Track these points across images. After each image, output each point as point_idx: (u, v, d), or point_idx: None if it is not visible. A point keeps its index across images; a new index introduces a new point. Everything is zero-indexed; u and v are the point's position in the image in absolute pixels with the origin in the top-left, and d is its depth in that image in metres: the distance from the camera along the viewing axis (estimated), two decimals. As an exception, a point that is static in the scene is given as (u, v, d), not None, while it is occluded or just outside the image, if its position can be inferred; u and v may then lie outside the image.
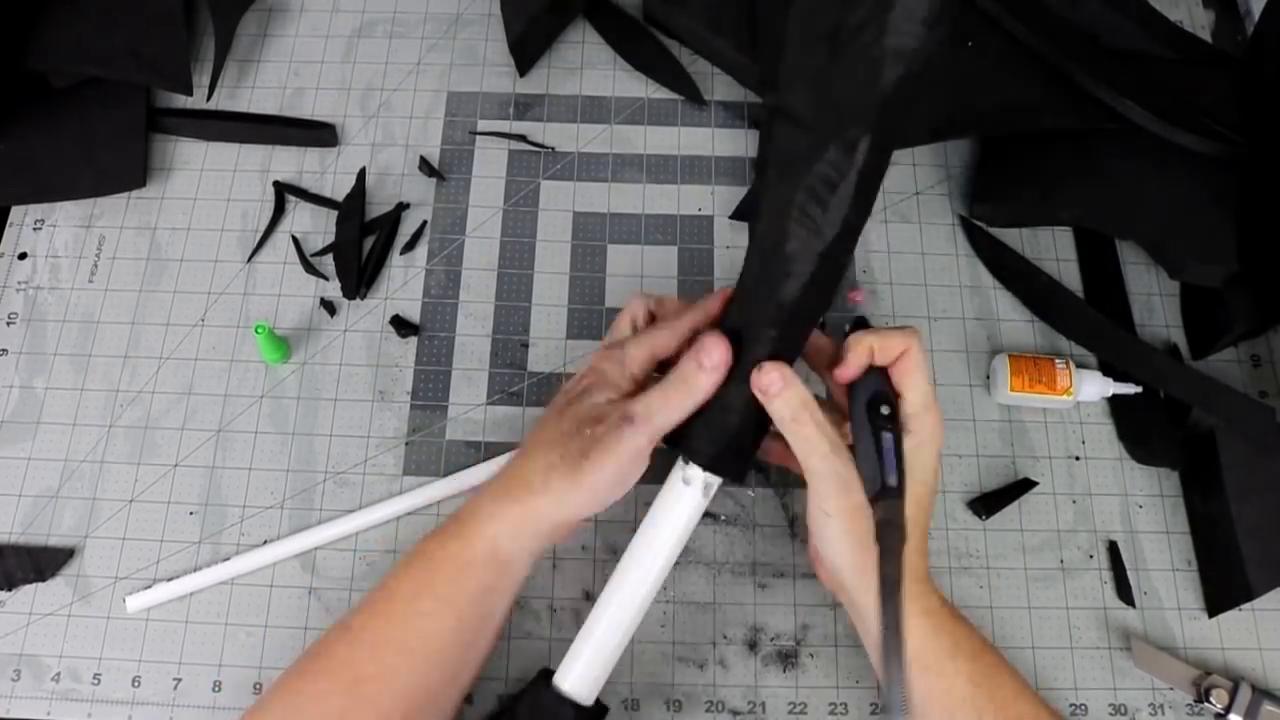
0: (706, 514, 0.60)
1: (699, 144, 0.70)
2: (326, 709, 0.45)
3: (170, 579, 0.58)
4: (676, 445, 0.47)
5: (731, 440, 0.46)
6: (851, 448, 0.46)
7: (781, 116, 0.42)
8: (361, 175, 0.68)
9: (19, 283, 0.66)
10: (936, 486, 0.47)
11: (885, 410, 0.45)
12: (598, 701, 0.48)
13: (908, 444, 0.45)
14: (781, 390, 0.44)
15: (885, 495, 0.42)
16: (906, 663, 0.38)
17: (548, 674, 0.47)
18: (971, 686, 0.45)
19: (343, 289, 0.66)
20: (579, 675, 0.46)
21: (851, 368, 0.46)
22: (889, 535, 0.41)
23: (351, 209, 0.67)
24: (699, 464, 0.46)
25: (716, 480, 0.47)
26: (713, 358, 0.45)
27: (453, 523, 0.48)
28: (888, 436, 0.44)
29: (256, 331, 0.60)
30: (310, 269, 0.66)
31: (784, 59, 0.42)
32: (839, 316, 0.64)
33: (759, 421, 0.47)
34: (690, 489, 0.47)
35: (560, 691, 0.46)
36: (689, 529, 0.48)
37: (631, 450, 0.45)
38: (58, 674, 0.57)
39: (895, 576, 0.39)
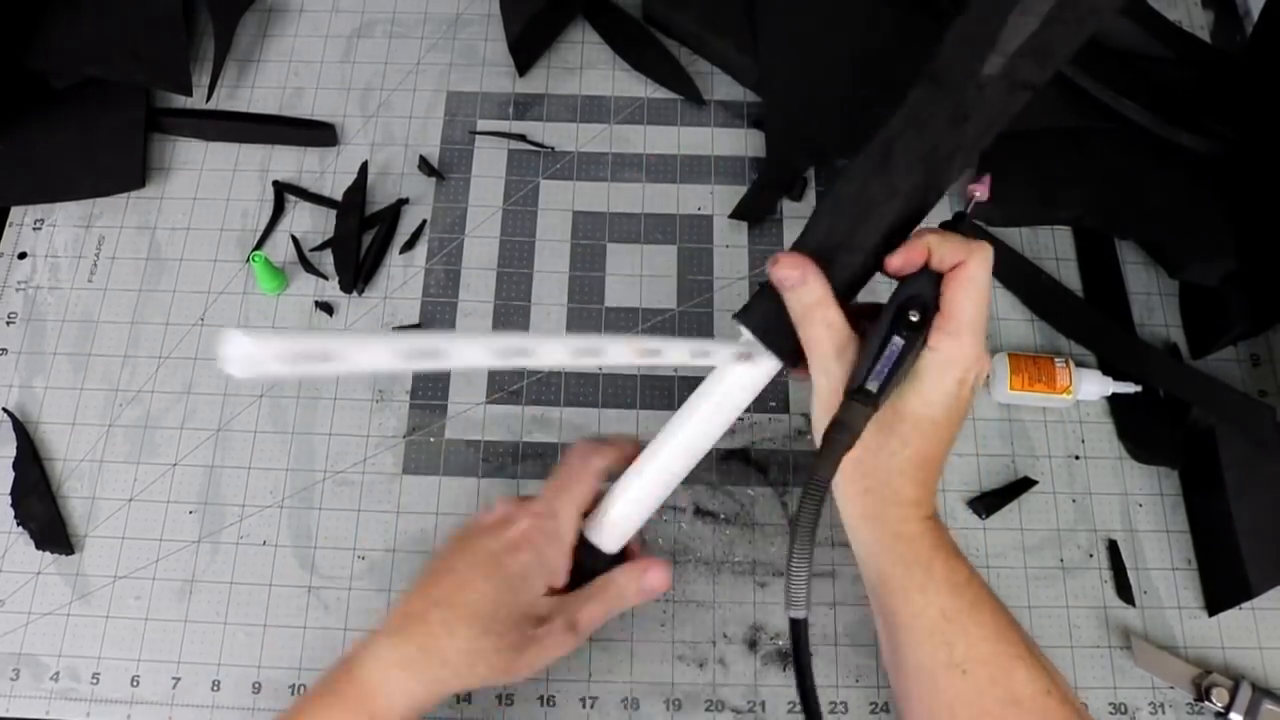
0: (706, 513, 0.60)
1: (698, 143, 0.70)
2: None
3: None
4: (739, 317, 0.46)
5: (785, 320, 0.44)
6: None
7: (927, 81, 0.42)
8: (364, 169, 0.68)
9: (19, 282, 0.66)
10: (958, 419, 0.43)
11: (913, 317, 0.41)
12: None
13: (927, 360, 0.42)
14: (795, 285, 0.42)
15: (856, 397, 0.40)
16: (810, 561, 0.37)
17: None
18: (944, 621, 0.43)
19: (340, 283, 0.66)
20: (609, 524, 0.47)
21: (898, 260, 0.42)
22: (834, 435, 0.39)
23: (352, 203, 0.67)
24: (755, 335, 0.45)
25: (772, 363, 0.45)
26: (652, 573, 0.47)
27: (344, 677, 0.43)
28: (897, 341, 0.41)
29: (254, 261, 0.61)
30: (309, 268, 0.66)
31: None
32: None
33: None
34: (745, 364, 0.45)
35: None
36: (740, 405, 0.46)
37: (566, 652, 0.45)
38: (56, 673, 0.57)
39: (823, 479, 0.37)
